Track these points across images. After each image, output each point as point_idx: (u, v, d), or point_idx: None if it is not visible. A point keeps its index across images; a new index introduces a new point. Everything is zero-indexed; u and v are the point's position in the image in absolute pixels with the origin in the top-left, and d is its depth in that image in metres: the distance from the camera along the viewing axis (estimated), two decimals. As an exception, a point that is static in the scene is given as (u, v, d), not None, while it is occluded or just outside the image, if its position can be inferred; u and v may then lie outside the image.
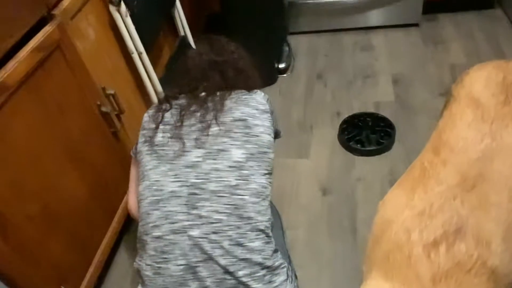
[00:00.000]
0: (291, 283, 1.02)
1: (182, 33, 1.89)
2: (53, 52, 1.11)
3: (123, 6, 1.36)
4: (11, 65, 0.98)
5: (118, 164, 1.41)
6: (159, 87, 1.58)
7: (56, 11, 1.13)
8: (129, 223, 1.56)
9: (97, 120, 1.30)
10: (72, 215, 1.21)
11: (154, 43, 1.63)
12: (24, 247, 1.03)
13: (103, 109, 1.30)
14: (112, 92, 1.34)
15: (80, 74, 1.21)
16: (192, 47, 1.92)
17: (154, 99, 1.58)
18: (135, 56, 1.47)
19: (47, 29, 1.09)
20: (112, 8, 1.34)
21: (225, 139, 1.00)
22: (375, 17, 2.28)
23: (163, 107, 1.08)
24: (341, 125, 1.79)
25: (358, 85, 2.00)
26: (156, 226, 0.96)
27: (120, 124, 1.40)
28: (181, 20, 1.85)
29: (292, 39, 2.32)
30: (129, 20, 1.39)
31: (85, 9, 1.26)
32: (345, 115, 1.84)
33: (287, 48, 2.21)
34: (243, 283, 0.93)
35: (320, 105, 1.95)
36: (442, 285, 0.67)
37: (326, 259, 1.38)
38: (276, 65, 2.11)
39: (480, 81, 0.94)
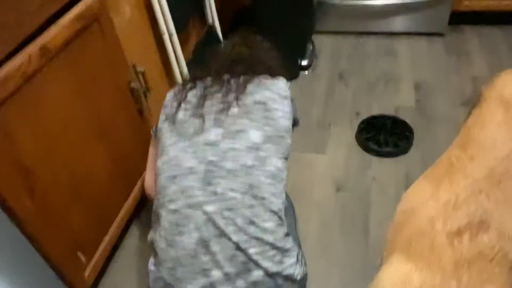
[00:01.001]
0: (301, 266, 1.03)
1: (210, 22, 1.91)
2: (92, 24, 1.14)
3: (160, -13, 1.39)
4: (53, 30, 1.00)
5: (140, 141, 1.44)
6: (185, 70, 1.61)
7: (98, -16, 1.16)
8: (144, 201, 1.58)
9: (125, 96, 1.33)
10: (94, 186, 1.23)
11: (184, 27, 1.65)
12: (48, 209, 1.06)
13: (132, 85, 1.33)
14: (142, 69, 1.36)
15: (114, 49, 1.24)
16: (218, 36, 1.95)
17: (180, 81, 1.61)
18: (166, 37, 1.50)
19: (88, 0, 1.11)
20: (149, -12, 1.37)
21: (244, 120, 1.02)
22: (400, 23, 2.29)
23: (187, 86, 1.11)
24: (359, 124, 1.80)
25: (379, 88, 2.02)
26: (172, 200, 0.98)
27: (145, 102, 1.42)
28: (211, 9, 1.87)
29: (317, 38, 2.34)
30: (164, 2, 1.42)
31: (124, -14, 1.29)
32: (365, 115, 1.85)
33: (311, 46, 2.22)
34: (253, 261, 0.95)
35: (340, 104, 1.96)
36: (464, 271, 0.68)
37: (336, 255, 1.39)
38: (299, 61, 2.13)
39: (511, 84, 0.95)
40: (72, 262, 1.17)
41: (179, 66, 1.59)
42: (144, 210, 1.59)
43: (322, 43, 2.34)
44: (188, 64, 1.64)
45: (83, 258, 1.21)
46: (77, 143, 1.14)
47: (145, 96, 1.42)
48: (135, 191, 1.46)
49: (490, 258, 0.70)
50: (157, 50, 1.53)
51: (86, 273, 1.23)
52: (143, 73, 1.37)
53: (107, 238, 1.31)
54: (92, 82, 1.18)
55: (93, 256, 1.26)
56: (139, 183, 1.47)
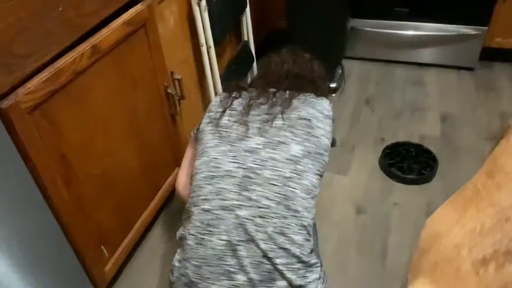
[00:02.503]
0: (322, 283, 1.04)
1: (245, 39, 1.98)
2: (139, 29, 1.20)
3: (203, 1, 1.45)
4: (105, 31, 1.07)
5: (170, 145, 1.49)
6: (218, 82, 1.66)
7: (148, -7, 1.23)
8: (167, 203, 1.62)
9: (161, 100, 1.38)
10: (123, 183, 1.28)
11: (222, 41, 1.71)
12: (80, 200, 1.10)
13: (169, 90, 1.38)
14: (179, 77, 1.42)
15: (156, 55, 1.30)
16: (251, 53, 2.01)
17: (212, 92, 1.66)
18: (204, 49, 1.56)
19: (138, 7, 1.18)
20: (194, 1, 1.44)
21: (287, 133, 1.05)
22: (430, 54, 2.32)
23: (234, 95, 1.15)
24: (384, 150, 1.81)
25: (406, 116, 2.03)
26: (206, 200, 1.00)
27: (179, 108, 1.47)
28: (247, 27, 1.94)
29: (346, 62, 2.38)
30: (206, 15, 1.48)
31: (171, -2, 1.36)
32: (389, 141, 1.87)
33: (340, 70, 2.27)
34: (279, 271, 0.96)
35: (365, 128, 1.98)
36: None
37: (352, 277, 1.39)
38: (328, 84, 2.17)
39: None
40: (95, 255, 1.21)
41: (213, 78, 1.65)
42: (166, 211, 1.63)
43: (351, 67, 2.38)
44: (221, 77, 1.70)
45: (106, 252, 1.24)
46: (113, 139, 1.19)
47: (179, 103, 1.47)
48: (161, 191, 1.50)
49: None
50: (194, 61, 1.59)
51: (107, 268, 1.26)
52: (179, 80, 1.43)
53: (130, 235, 1.34)
54: (133, 83, 1.24)
55: (115, 251, 1.29)
56: (165, 185, 1.51)
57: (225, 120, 1.09)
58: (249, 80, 2.04)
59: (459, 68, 2.31)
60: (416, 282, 0.79)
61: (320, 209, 1.61)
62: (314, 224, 1.32)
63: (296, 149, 1.03)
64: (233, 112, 1.10)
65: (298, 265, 0.98)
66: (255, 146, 1.03)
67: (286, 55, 1.28)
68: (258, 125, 1.06)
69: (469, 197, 0.86)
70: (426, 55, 2.32)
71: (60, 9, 0.91)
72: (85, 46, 1.01)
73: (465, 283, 0.72)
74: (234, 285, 0.94)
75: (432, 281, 0.76)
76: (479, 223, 0.79)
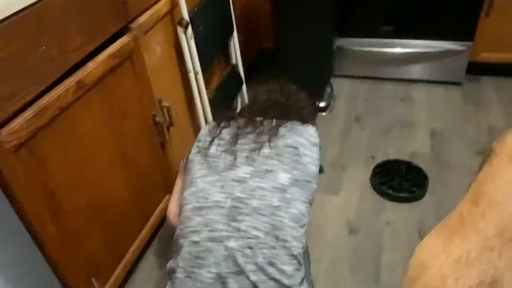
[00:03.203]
0: (314, 311, 1.03)
1: (234, 62, 2.00)
2: (125, 61, 1.22)
3: (189, 29, 1.47)
4: (90, 66, 1.08)
5: (159, 173, 1.49)
6: (208, 107, 1.68)
7: (133, 25, 1.25)
8: (158, 231, 1.61)
9: (149, 129, 1.39)
10: (112, 213, 1.27)
11: (209, 66, 1.73)
12: (68, 233, 1.10)
13: (157, 118, 1.39)
14: (167, 104, 1.43)
15: (143, 85, 1.32)
16: (241, 76, 2.03)
17: (202, 117, 1.67)
18: (192, 75, 1.57)
19: (124, 39, 1.20)
20: (180, 30, 1.46)
21: (275, 162, 1.05)
22: (418, 71, 2.35)
23: (222, 124, 1.16)
24: (374, 168, 1.82)
25: (395, 133, 2.05)
26: (195, 231, 1.00)
27: (168, 136, 1.48)
28: (235, 50, 1.96)
29: (335, 81, 2.41)
30: (192, 42, 1.51)
31: (157, 27, 1.38)
32: (380, 159, 1.88)
33: (329, 89, 2.29)
34: (269, 302, 0.96)
35: (355, 147, 1.99)
36: None
37: (345, 298, 1.38)
38: (317, 103, 2.19)
39: None
40: (86, 288, 1.20)
41: (202, 103, 1.66)
42: (157, 240, 1.62)
43: (340, 86, 2.41)
44: (210, 101, 1.71)
45: (96, 285, 1.23)
46: (101, 170, 1.20)
47: (168, 130, 1.48)
48: (152, 221, 1.49)
49: None
50: (182, 87, 1.60)
51: (98, 300, 1.25)
52: (168, 108, 1.44)
53: (121, 266, 1.33)
54: (121, 114, 1.24)
55: (106, 283, 1.28)
56: (155, 214, 1.51)
57: (213, 149, 1.10)
58: (239, 104, 2.06)
59: (446, 83, 2.34)
60: None
61: (313, 229, 1.61)
62: (307, 250, 1.32)
63: (283, 177, 1.04)
64: (221, 141, 1.11)
65: (289, 295, 0.98)
66: (243, 175, 1.04)
67: (273, 85, 1.30)
68: (246, 154, 1.07)
69: (455, 225, 0.86)
70: (414, 71, 2.35)
71: (43, 47, 0.93)
72: (69, 82, 1.02)
73: None
74: (224, 318, 0.94)
75: None
76: (464, 252, 0.79)
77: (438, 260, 0.81)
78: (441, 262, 0.80)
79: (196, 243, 0.99)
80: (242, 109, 1.30)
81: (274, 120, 1.15)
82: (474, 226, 0.83)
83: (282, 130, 1.12)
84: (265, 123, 1.14)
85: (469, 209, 0.88)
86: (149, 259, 1.56)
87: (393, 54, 2.31)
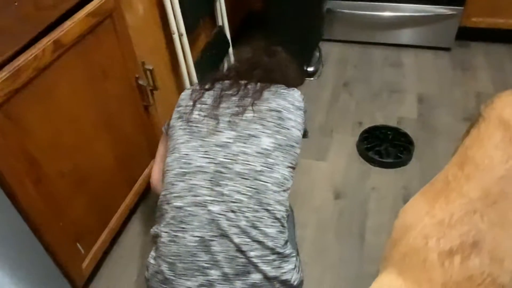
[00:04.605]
0: (298, 273, 1.05)
1: (220, 24, 1.93)
2: (105, 20, 1.16)
3: (173, -13, 1.41)
4: (67, 25, 1.03)
5: (145, 137, 1.46)
6: (193, 70, 1.63)
7: (113, -18, 1.18)
8: (144, 196, 1.60)
9: (133, 92, 1.35)
10: (97, 178, 1.25)
11: (194, 28, 1.67)
12: (52, 198, 1.08)
13: (140, 82, 1.35)
14: (150, 67, 1.39)
15: (125, 45, 1.26)
16: (227, 38, 1.97)
17: (187, 80, 1.63)
18: (176, 37, 1.52)
19: (103, -3, 1.14)
20: (163, -12, 1.39)
21: (258, 126, 1.03)
22: (408, 36, 2.31)
23: (203, 86, 1.13)
24: (361, 134, 1.82)
25: (383, 98, 2.04)
26: (179, 197, 1.00)
27: (152, 100, 1.44)
28: (221, 11, 1.90)
29: (324, 46, 2.36)
30: (176, 2, 1.44)
31: (138, -15, 1.31)
32: (367, 125, 1.87)
33: (317, 53, 2.25)
34: (253, 264, 0.96)
35: (343, 112, 1.98)
36: None
37: (330, 261, 1.41)
38: (305, 68, 2.15)
39: (511, 105, 0.97)
40: (71, 253, 1.19)
41: (187, 66, 1.61)
42: (143, 205, 1.62)
43: (329, 50, 2.37)
44: (195, 64, 1.66)
45: (82, 249, 1.23)
46: (83, 134, 1.17)
47: (152, 94, 1.44)
48: (137, 185, 1.48)
49: (478, 283, 0.71)
50: (166, 49, 1.55)
51: (84, 264, 1.25)
52: (151, 71, 1.39)
53: (106, 230, 1.33)
54: (102, 76, 1.20)
55: (91, 248, 1.28)
56: (141, 178, 1.49)
57: (195, 114, 1.07)
58: (225, 66, 2.01)
59: (436, 48, 2.32)
60: (384, 273, 0.80)
61: (299, 195, 1.62)
62: (292, 213, 1.33)
63: (266, 142, 1.02)
64: (203, 106, 1.08)
65: (273, 257, 0.99)
66: (226, 140, 1.02)
67: (258, 46, 1.26)
68: (228, 119, 1.05)
69: (440, 189, 0.87)
70: (404, 36, 2.31)
71: (16, 4, 0.87)
72: (46, 41, 0.97)
73: (430, 274, 0.73)
74: (208, 281, 0.95)
75: (400, 272, 0.77)
76: (447, 214, 0.80)
77: (421, 222, 0.82)
78: (424, 223, 0.81)
79: (179, 208, 0.99)
80: (226, 70, 1.26)
81: (259, 84, 1.12)
82: (458, 189, 0.84)
83: (266, 93, 1.09)
84: (249, 86, 1.11)
85: (455, 172, 0.89)
86: (135, 223, 1.56)
87: (383, 17, 2.26)
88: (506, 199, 0.80)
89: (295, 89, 1.15)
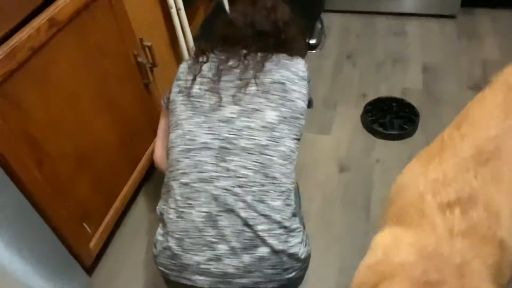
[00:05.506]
0: (305, 247, 1.05)
1: (219, -4, 1.88)
2: (100, -4, 1.13)
3: (169, -40, 1.36)
4: (61, 2, 1.00)
5: (146, 115, 1.44)
6: (192, 45, 1.60)
7: (106, -45, 1.14)
8: (149, 174, 1.60)
9: (132, 69, 1.32)
10: (100, 158, 1.25)
11: (193, 2, 1.63)
12: (55, 179, 1.08)
13: (139, 59, 1.32)
14: (148, 44, 1.36)
15: (122, 22, 1.23)
16: (227, 11, 1.92)
17: (187, 56, 1.60)
18: (174, 12, 1.48)
19: (97, -28, 1.10)
20: (158, -40, 1.35)
21: (261, 100, 1.01)
22: (411, 4, 2.25)
23: (200, 59, 1.09)
24: (365, 106, 1.79)
25: (387, 69, 2.00)
26: (184, 173, 0.99)
27: (152, 77, 1.42)
28: (219, -17, 1.84)
29: (326, 17, 2.31)
30: (172, -25, 1.40)
31: (133, -42, 1.27)
32: (371, 97, 1.85)
33: (319, 25, 2.20)
34: (260, 237, 0.96)
35: (347, 84, 1.95)
36: (458, 240, 0.69)
37: (336, 233, 1.41)
38: (307, 40, 2.10)
39: None
40: (78, 233, 1.20)
41: (186, 41, 1.58)
42: (148, 183, 1.62)
43: (331, 22, 2.31)
44: (195, 39, 1.63)
45: (88, 229, 1.24)
46: (83, 114, 1.15)
47: (152, 71, 1.42)
48: (141, 163, 1.47)
49: (482, 235, 0.71)
50: (164, 25, 1.52)
51: (92, 244, 1.26)
52: (150, 48, 1.36)
53: (112, 210, 1.33)
54: (100, 54, 1.18)
55: (98, 227, 1.29)
56: (144, 156, 1.49)
57: (196, 89, 1.05)
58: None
59: (441, 16, 2.26)
60: (383, 228, 0.81)
61: (304, 169, 1.61)
62: (297, 188, 1.32)
63: (271, 115, 1.01)
64: (204, 79, 1.06)
65: (280, 231, 0.99)
66: (230, 115, 1.00)
67: (245, 8, 1.15)
68: (231, 93, 1.02)
69: (435, 149, 0.87)
70: (408, 4, 2.25)
71: (6, -20, 0.84)
72: (40, 20, 0.94)
73: (433, 221, 0.73)
74: (216, 255, 0.95)
75: (398, 224, 0.77)
76: (441, 173, 0.80)
77: (416, 181, 0.82)
78: (419, 182, 0.81)
79: (186, 184, 0.98)
80: (215, 41, 1.15)
81: (259, 54, 1.09)
82: (452, 148, 0.83)
83: (268, 64, 1.06)
84: (249, 57, 1.07)
85: (451, 132, 0.88)
86: (141, 202, 1.57)
87: (387, -15, 2.20)
88: (498, 158, 0.79)
89: (299, 57, 1.12)
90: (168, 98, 1.12)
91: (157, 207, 1.05)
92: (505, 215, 0.74)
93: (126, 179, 1.40)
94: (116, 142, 1.31)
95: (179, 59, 1.64)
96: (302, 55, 1.16)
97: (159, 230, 1.04)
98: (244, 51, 1.09)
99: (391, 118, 1.72)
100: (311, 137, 1.72)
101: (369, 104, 1.80)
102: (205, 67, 1.08)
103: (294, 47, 1.15)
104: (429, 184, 0.79)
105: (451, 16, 2.25)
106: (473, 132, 0.84)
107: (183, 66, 1.12)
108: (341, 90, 1.92)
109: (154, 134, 1.50)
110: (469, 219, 0.72)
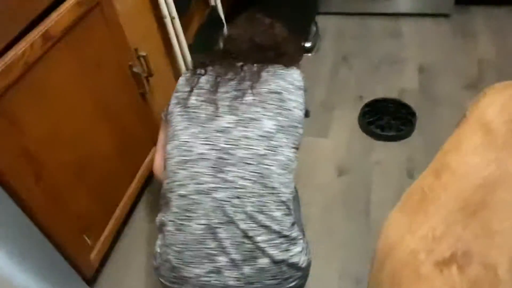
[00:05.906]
0: (306, 255, 1.05)
1: (213, 3, 1.89)
2: (93, 9, 1.13)
3: (161, -31, 1.37)
4: (54, 16, 1.00)
5: (143, 125, 1.45)
6: (188, 54, 1.60)
7: (98, -32, 1.15)
8: (148, 183, 1.60)
9: (128, 80, 1.33)
10: (98, 169, 1.25)
11: (186, 10, 1.64)
12: (54, 193, 1.08)
13: (135, 69, 1.33)
14: (144, 54, 1.36)
15: (116, 33, 1.24)
16: (221, 18, 1.93)
17: (182, 64, 1.60)
18: (168, 20, 1.48)
19: (89, -15, 1.11)
20: (151, -30, 1.35)
21: (258, 109, 1.02)
22: (405, 4, 2.25)
23: (198, 71, 1.10)
24: (362, 108, 1.80)
25: (383, 70, 2.00)
26: (182, 185, 0.99)
27: (148, 87, 1.42)
28: (213, -10, 1.85)
29: (321, 19, 2.31)
30: (165, -16, 1.40)
31: (125, -31, 1.27)
32: (368, 99, 1.85)
33: (314, 28, 2.20)
34: (260, 248, 0.96)
35: (343, 87, 1.95)
36: None
37: (338, 238, 1.41)
38: (302, 43, 2.11)
39: (496, 105, 0.89)
40: (78, 245, 1.20)
41: (181, 49, 1.58)
42: (148, 192, 1.62)
43: (326, 24, 2.31)
44: (190, 48, 1.63)
45: (88, 241, 1.24)
46: (81, 125, 1.16)
47: (148, 81, 1.42)
48: (140, 173, 1.47)
49: None
50: (159, 34, 1.52)
51: (92, 255, 1.26)
52: (145, 57, 1.37)
53: (112, 220, 1.33)
54: (95, 66, 1.18)
55: (99, 239, 1.29)
56: (143, 166, 1.49)
57: (193, 100, 1.05)
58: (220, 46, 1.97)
59: (435, 15, 2.26)
60: None
61: (303, 173, 1.61)
62: (296, 195, 1.32)
63: (268, 124, 1.01)
64: (201, 91, 1.06)
65: (280, 240, 0.99)
66: (227, 125, 1.00)
67: (244, 24, 1.21)
68: (228, 103, 1.03)
69: (417, 201, 0.82)
70: (402, 4, 2.26)
71: (-2, -2, 0.85)
72: (34, 35, 0.94)
73: (430, 282, 0.69)
74: (216, 267, 0.95)
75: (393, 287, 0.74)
76: (430, 229, 0.75)
77: (404, 239, 0.77)
78: (408, 240, 0.76)
79: (183, 196, 0.98)
80: (214, 55, 1.20)
81: (255, 65, 1.09)
82: (436, 200, 0.79)
83: (264, 75, 1.07)
84: (245, 68, 1.08)
85: (431, 182, 0.83)
86: (141, 212, 1.57)
87: (380, -14, 2.20)
88: (486, 208, 0.75)
89: (294, 68, 1.13)
90: (167, 110, 1.13)
91: (156, 218, 1.06)
92: (503, 269, 0.70)
93: (125, 189, 1.40)
94: (114, 152, 1.31)
95: (174, 67, 1.64)
96: (297, 65, 1.17)
97: (158, 242, 1.04)
98: (241, 63, 1.10)
99: (388, 120, 1.72)
100: (309, 141, 1.72)
101: (366, 105, 1.81)
102: (203, 79, 1.09)
103: (289, 57, 1.16)
104: (420, 242, 0.74)
105: (445, 15, 2.25)
106: (455, 182, 0.80)
107: (182, 79, 1.13)
108: (338, 93, 1.93)
109: (152, 143, 1.51)
110: (468, 276, 0.68)
